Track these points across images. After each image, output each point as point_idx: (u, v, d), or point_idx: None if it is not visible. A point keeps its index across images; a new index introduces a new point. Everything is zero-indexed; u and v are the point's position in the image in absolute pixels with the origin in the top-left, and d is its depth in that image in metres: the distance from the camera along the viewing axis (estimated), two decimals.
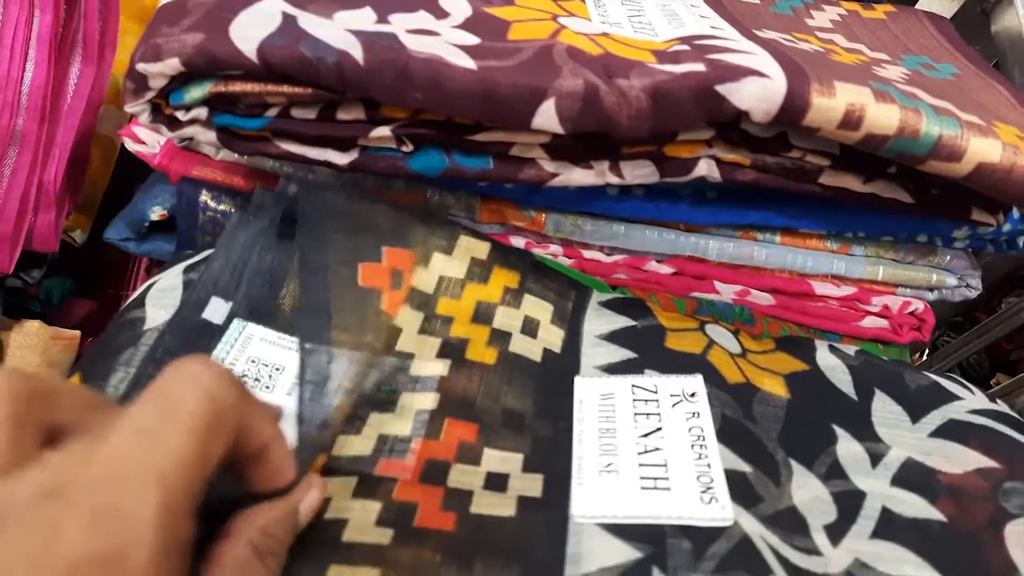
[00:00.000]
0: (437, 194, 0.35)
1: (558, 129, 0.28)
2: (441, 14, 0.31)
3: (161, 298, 0.30)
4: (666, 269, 0.36)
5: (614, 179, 0.31)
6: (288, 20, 0.27)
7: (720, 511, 0.23)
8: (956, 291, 0.36)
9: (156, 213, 0.35)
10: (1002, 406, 0.32)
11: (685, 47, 0.29)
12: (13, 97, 0.37)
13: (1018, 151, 0.27)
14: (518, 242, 0.36)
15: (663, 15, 0.33)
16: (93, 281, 0.50)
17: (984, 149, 0.27)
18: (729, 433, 0.27)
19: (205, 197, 0.34)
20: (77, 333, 0.41)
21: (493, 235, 0.35)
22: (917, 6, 0.47)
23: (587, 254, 0.36)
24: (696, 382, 0.29)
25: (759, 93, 0.26)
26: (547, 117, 0.27)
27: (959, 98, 0.31)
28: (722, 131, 0.30)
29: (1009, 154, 0.27)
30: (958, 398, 0.31)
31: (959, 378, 0.33)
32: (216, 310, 0.29)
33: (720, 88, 0.27)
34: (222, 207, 0.34)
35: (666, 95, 0.27)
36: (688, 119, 0.28)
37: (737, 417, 0.28)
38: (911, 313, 0.36)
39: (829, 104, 0.26)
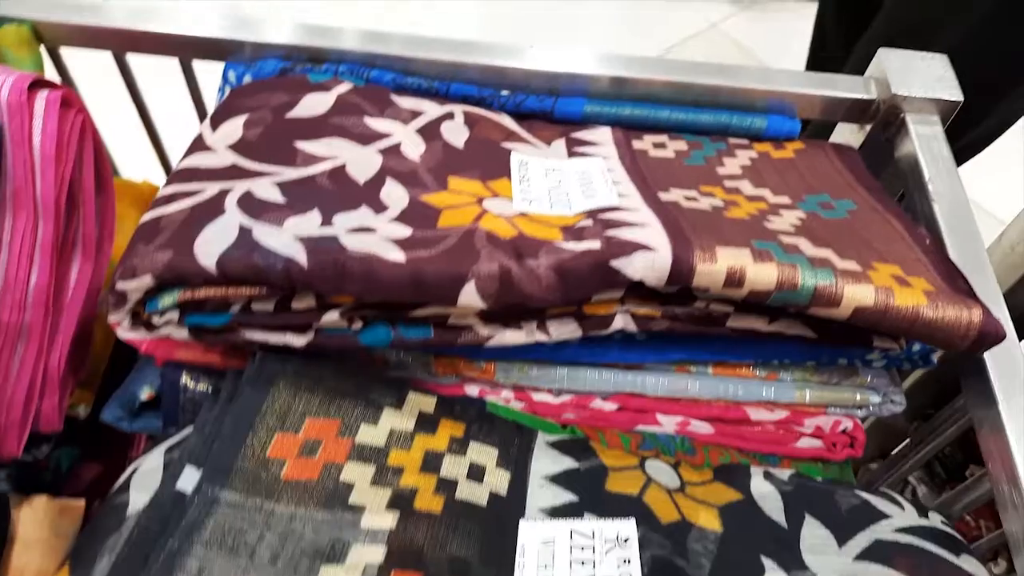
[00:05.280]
0: (395, 354, 0.39)
1: (481, 305, 0.31)
2: (380, 208, 0.35)
3: (144, 481, 0.33)
4: (610, 406, 0.39)
5: (543, 337, 0.34)
6: (244, 232, 0.32)
7: None
8: (882, 407, 0.38)
9: (145, 394, 0.39)
10: (933, 519, 0.34)
11: (589, 222, 0.33)
12: (20, 297, 0.42)
13: (891, 293, 0.30)
14: (472, 390, 0.39)
15: (579, 185, 0.38)
16: (99, 444, 0.54)
17: (858, 295, 0.30)
18: (660, 574, 0.29)
19: (185, 379, 0.37)
20: (82, 504, 0.44)
21: (449, 386, 0.39)
22: (832, 133, 0.52)
23: (536, 396, 0.39)
24: (629, 527, 0.31)
25: (648, 264, 0.30)
26: (470, 296, 0.31)
27: (845, 241, 0.34)
28: (632, 290, 0.33)
29: (882, 297, 0.30)
30: (886, 516, 0.33)
31: (892, 494, 0.35)
32: (189, 478, 0.31)
33: (614, 263, 0.30)
34: (200, 387, 0.37)
35: (569, 272, 0.31)
36: (592, 288, 0.31)
37: (670, 557, 0.30)
38: (843, 431, 0.38)
39: (712, 269, 0.30)
